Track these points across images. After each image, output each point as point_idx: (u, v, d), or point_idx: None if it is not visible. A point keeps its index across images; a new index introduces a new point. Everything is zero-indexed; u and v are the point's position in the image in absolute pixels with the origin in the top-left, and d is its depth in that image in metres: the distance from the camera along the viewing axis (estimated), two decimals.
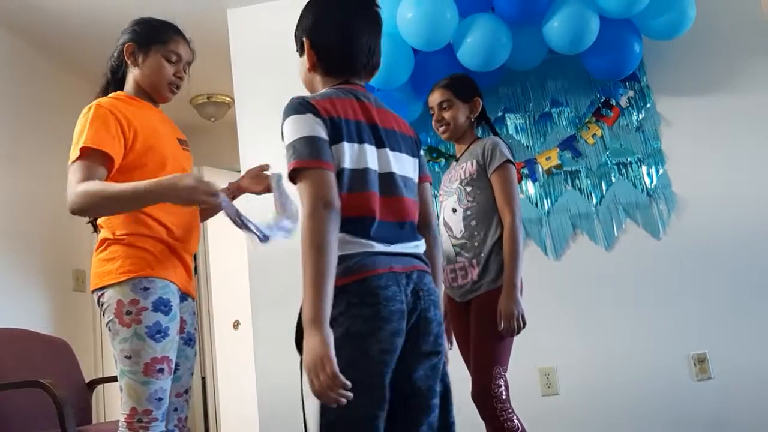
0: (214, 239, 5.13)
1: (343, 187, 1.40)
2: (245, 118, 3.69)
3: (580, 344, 3.20)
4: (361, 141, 1.46)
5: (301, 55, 1.59)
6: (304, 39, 1.56)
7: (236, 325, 5.14)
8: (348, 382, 1.25)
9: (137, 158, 1.92)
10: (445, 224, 2.42)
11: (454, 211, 2.38)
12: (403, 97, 3.23)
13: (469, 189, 2.36)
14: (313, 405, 1.33)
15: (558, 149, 3.41)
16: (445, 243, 2.38)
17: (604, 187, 3.35)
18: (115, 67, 2.08)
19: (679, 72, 3.42)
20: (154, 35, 2.02)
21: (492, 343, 2.22)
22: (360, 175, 1.43)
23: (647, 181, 3.33)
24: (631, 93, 3.44)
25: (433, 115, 2.51)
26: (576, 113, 3.45)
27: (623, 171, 3.36)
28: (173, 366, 1.88)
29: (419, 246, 1.52)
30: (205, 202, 1.75)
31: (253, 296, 3.48)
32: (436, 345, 1.47)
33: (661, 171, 3.33)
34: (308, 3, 1.58)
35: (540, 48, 3.19)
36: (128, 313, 1.82)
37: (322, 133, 1.40)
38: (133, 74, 2.04)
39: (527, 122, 3.48)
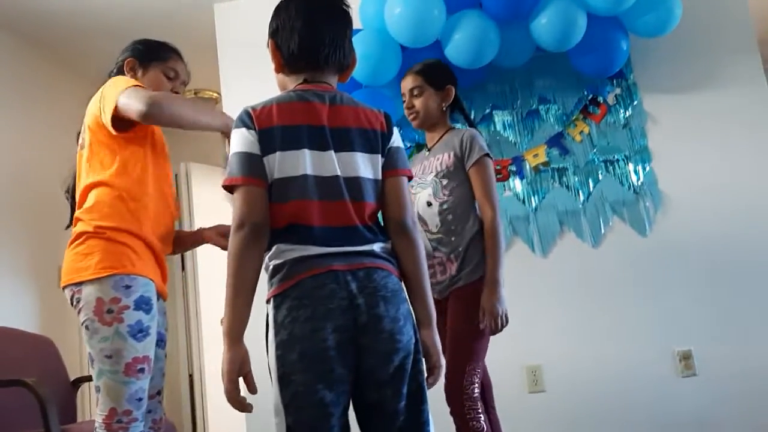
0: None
1: (277, 197, 1.42)
2: (232, 113, 3.66)
3: (567, 341, 3.21)
4: (298, 147, 1.44)
5: (272, 59, 1.59)
6: (269, 41, 1.57)
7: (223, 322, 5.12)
8: (238, 398, 1.36)
9: (147, 141, 1.98)
10: (420, 218, 2.33)
11: (429, 204, 2.31)
12: (390, 93, 3.23)
13: (445, 182, 2.29)
14: (277, 412, 1.38)
15: (545, 146, 3.41)
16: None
17: (591, 185, 3.36)
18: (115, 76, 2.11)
19: (665, 70, 3.43)
20: (155, 53, 2.12)
21: (469, 339, 2.16)
22: (294, 183, 1.42)
23: (634, 178, 3.35)
24: (618, 90, 3.45)
25: (404, 101, 2.44)
26: (563, 110, 3.46)
27: (610, 168, 3.37)
28: (152, 365, 1.87)
29: (374, 244, 1.46)
30: None
31: None
32: (394, 342, 1.40)
33: (647, 168, 3.34)
34: (276, 8, 1.57)
35: (528, 45, 3.19)
36: (109, 311, 1.79)
37: (255, 148, 1.42)
38: None
39: (515, 119, 3.48)
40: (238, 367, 1.35)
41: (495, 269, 2.17)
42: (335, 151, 1.46)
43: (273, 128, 1.44)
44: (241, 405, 1.36)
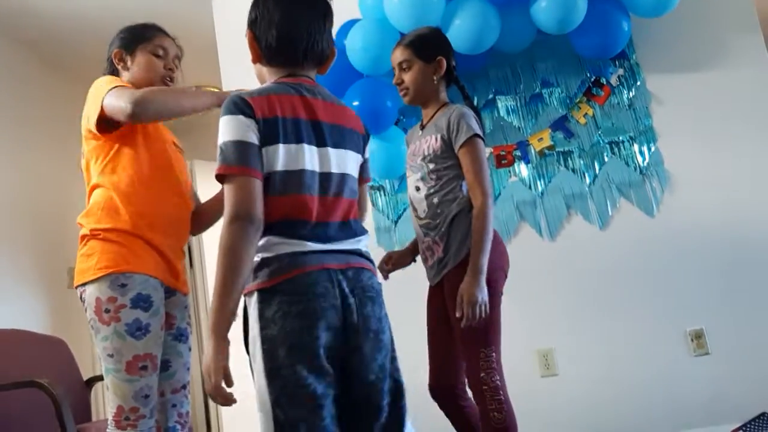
0: (208, 231, 5.11)
1: (275, 190, 1.40)
2: None
3: (578, 324, 3.21)
4: (299, 140, 1.44)
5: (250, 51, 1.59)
6: (248, 32, 1.55)
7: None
8: (225, 393, 1.31)
9: (137, 137, 1.95)
10: (410, 202, 2.25)
11: (418, 189, 2.20)
12: (391, 82, 3.21)
13: (431, 166, 2.16)
14: (265, 404, 1.36)
15: (550, 130, 3.40)
16: (413, 222, 2.25)
17: (597, 167, 3.35)
18: (114, 75, 2.08)
19: (668, 49, 3.41)
20: (138, 36, 2.07)
21: (473, 325, 2.01)
22: (294, 177, 1.42)
23: (639, 159, 3.33)
24: (620, 71, 3.43)
25: (394, 76, 2.29)
26: (567, 93, 3.44)
27: (615, 150, 3.35)
28: (158, 362, 1.85)
29: (361, 241, 1.50)
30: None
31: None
32: (378, 341, 1.44)
33: (653, 148, 3.33)
34: (254, 0, 1.56)
35: (528, 29, 3.17)
36: (107, 311, 1.80)
37: (253, 137, 1.38)
38: (126, 78, 2.05)
39: (518, 104, 3.46)
40: (226, 362, 1.32)
41: (479, 257, 2.01)
42: (331, 148, 1.48)
43: (276, 119, 1.42)
44: (227, 399, 1.33)
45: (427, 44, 2.24)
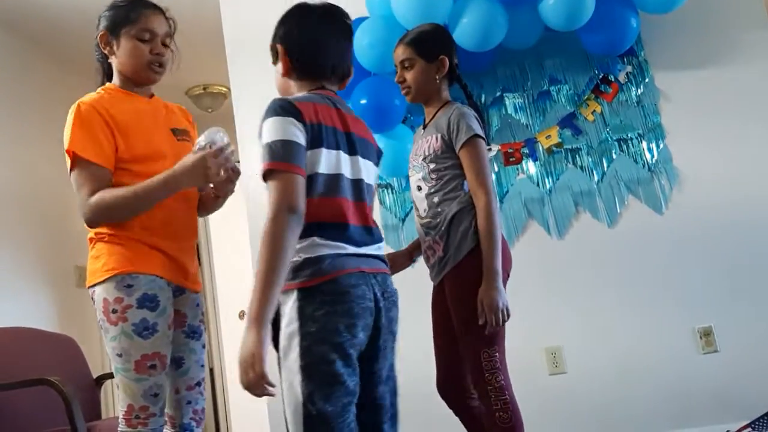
0: (217, 230, 5.13)
1: (316, 192, 1.47)
2: (242, 108, 3.67)
3: (586, 322, 3.20)
4: (337, 147, 1.53)
5: (275, 63, 1.67)
6: (279, 46, 1.64)
7: (242, 315, 5.15)
8: (271, 382, 1.33)
9: (126, 151, 1.87)
10: (413, 201, 2.25)
11: (420, 188, 2.19)
12: None
13: (432, 166, 2.15)
14: (297, 399, 1.40)
15: (558, 127, 3.39)
16: (415, 221, 2.24)
17: (605, 164, 3.34)
18: (100, 60, 2.03)
19: (676, 46, 3.39)
20: (122, 18, 1.93)
21: (476, 325, 1.99)
22: (334, 180, 1.51)
23: (648, 156, 3.32)
24: (629, 68, 3.41)
25: (396, 74, 2.26)
26: (575, 90, 3.43)
27: (624, 147, 3.34)
28: (167, 361, 1.86)
29: (381, 248, 1.61)
30: (219, 166, 1.77)
31: None
32: (394, 343, 1.59)
33: (661, 146, 3.31)
34: (283, 16, 1.67)
35: (536, 26, 3.16)
36: (114, 311, 1.80)
37: (301, 138, 1.45)
38: (114, 63, 1.98)
39: (526, 101, 3.46)
40: (265, 350, 1.34)
41: (491, 260, 1.99)
42: (360, 157, 1.60)
43: (321, 125, 1.51)
44: (268, 389, 1.33)
45: (430, 42, 2.23)
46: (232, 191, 2.01)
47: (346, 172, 1.54)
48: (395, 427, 1.57)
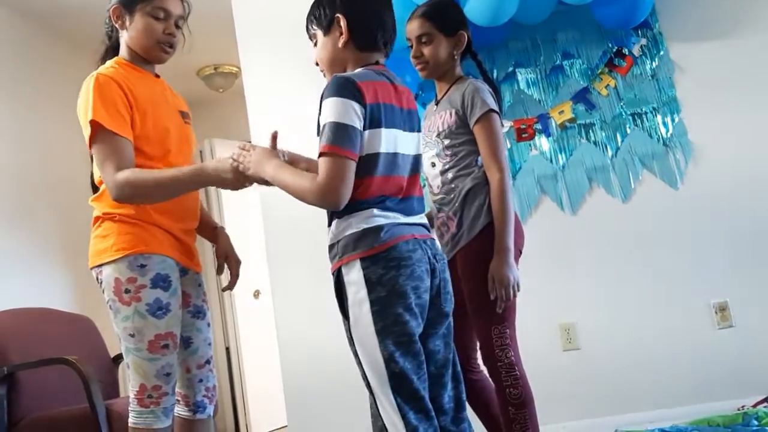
0: (230, 208, 5.15)
1: (378, 171, 1.53)
2: (253, 87, 3.66)
3: (601, 298, 3.19)
4: (395, 126, 1.59)
5: (326, 33, 1.66)
6: (338, 15, 1.64)
7: (257, 294, 5.18)
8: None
9: (140, 129, 1.87)
10: (425, 178, 2.22)
11: (433, 165, 2.17)
12: (409, 56, 3.18)
13: (447, 142, 2.12)
14: (378, 361, 1.49)
15: (571, 102, 3.35)
16: (427, 198, 2.18)
17: (619, 139, 3.30)
18: (109, 33, 2.02)
19: (692, 17, 3.34)
20: None
21: (486, 301, 2.00)
22: (393, 159, 1.57)
23: (663, 130, 3.28)
24: (643, 41, 3.36)
25: (411, 47, 2.20)
26: (588, 65, 3.39)
27: (638, 121, 3.31)
28: (178, 340, 1.88)
29: (423, 217, 1.68)
30: (250, 180, 1.69)
31: (271, 265, 3.49)
32: (450, 304, 1.67)
33: (676, 119, 3.28)
34: None
35: (549, 0, 3.12)
36: (127, 291, 1.81)
37: (357, 121, 1.50)
38: (124, 38, 1.97)
39: (539, 76, 3.42)
40: None
41: (505, 236, 2.00)
42: (414, 132, 1.67)
43: (380, 105, 1.55)
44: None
45: (449, 16, 2.18)
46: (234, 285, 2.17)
47: (403, 149, 1.60)
48: (458, 381, 1.65)
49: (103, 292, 1.87)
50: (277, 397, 3.89)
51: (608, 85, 3.35)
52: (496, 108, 2.10)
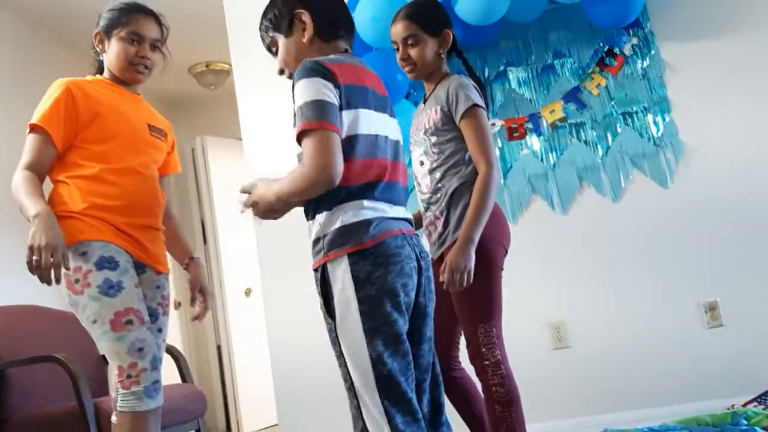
0: (221, 206, 5.14)
1: (359, 153, 1.48)
2: (244, 84, 3.65)
3: (591, 297, 3.20)
4: (370, 107, 1.54)
5: (288, 35, 1.63)
6: (299, 11, 1.60)
7: (248, 292, 5.17)
8: None
9: (90, 133, 1.95)
10: (414, 177, 2.21)
11: (422, 164, 2.15)
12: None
13: (433, 140, 2.11)
14: (365, 362, 1.44)
15: (562, 102, 3.36)
16: (417, 197, 2.21)
17: (609, 138, 3.31)
18: (96, 56, 2.13)
19: (683, 17, 3.34)
20: (115, 20, 2.03)
21: (472, 299, 2.01)
22: (373, 141, 1.52)
23: (653, 129, 3.29)
24: (634, 40, 3.37)
25: (397, 50, 2.19)
26: (579, 64, 3.39)
27: (629, 121, 3.31)
28: (144, 315, 1.86)
29: (407, 211, 1.62)
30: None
31: (262, 264, 3.48)
32: (432, 304, 1.64)
33: (667, 119, 3.28)
34: None
35: None
36: (77, 281, 1.82)
37: (333, 98, 1.45)
38: (104, 61, 2.08)
39: (530, 75, 3.42)
40: None
41: (472, 226, 1.96)
42: (389, 116, 1.62)
43: (353, 86, 1.51)
44: None
45: (432, 17, 2.18)
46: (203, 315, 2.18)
47: (382, 131, 1.56)
48: (437, 384, 1.62)
49: (62, 291, 1.88)
50: (268, 395, 3.88)
51: (599, 84, 3.36)
52: (481, 103, 2.08)
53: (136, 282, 1.90)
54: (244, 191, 1.58)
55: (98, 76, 2.10)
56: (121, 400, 1.80)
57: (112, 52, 2.03)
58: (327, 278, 1.47)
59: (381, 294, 1.45)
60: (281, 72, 1.68)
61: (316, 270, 1.51)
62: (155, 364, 1.84)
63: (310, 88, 1.44)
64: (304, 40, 1.61)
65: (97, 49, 2.08)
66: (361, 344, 1.44)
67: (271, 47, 1.70)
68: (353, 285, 1.44)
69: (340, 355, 1.48)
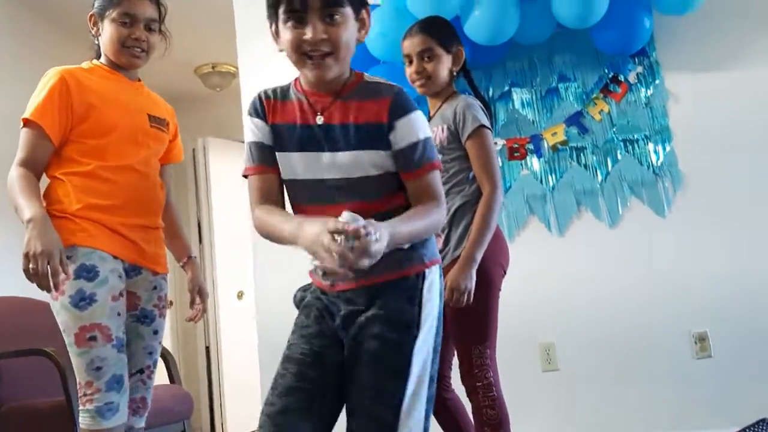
0: (219, 208, 5.14)
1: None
2: (249, 88, 3.66)
3: (582, 320, 3.21)
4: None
5: (356, 17, 1.38)
6: (366, 9, 1.42)
7: (240, 295, 5.17)
8: None
9: (87, 127, 1.88)
10: None
11: None
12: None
13: (439, 158, 2.15)
14: (425, 382, 1.32)
15: (564, 125, 3.38)
16: None
17: (609, 164, 3.33)
18: (94, 38, 2.05)
19: (689, 48, 3.36)
20: (108, 1, 1.93)
21: (468, 321, 2.01)
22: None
23: (653, 158, 3.31)
24: (639, 69, 3.39)
25: (410, 63, 2.18)
26: (583, 89, 3.41)
27: (629, 148, 3.33)
28: (112, 333, 1.77)
29: None
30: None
31: (256, 267, 3.48)
32: None
33: (668, 148, 3.30)
34: None
35: (548, 22, 3.14)
36: (55, 286, 1.74)
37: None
38: (100, 45, 2.00)
39: (534, 97, 3.44)
40: None
41: (474, 246, 1.97)
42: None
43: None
44: None
45: (448, 33, 2.19)
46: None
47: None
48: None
49: None
50: (254, 399, 3.87)
51: (602, 110, 3.38)
52: (487, 124, 2.10)
53: (117, 293, 1.82)
54: (346, 232, 1.12)
55: (95, 62, 2.01)
56: (81, 415, 1.76)
57: (105, 35, 1.94)
58: (421, 287, 1.34)
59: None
60: (312, 49, 1.35)
61: (408, 277, 1.34)
62: (111, 384, 1.75)
63: (426, 123, 1.42)
64: (360, 36, 1.41)
65: (93, 32, 2.00)
66: (427, 361, 1.32)
67: (330, 6, 1.33)
68: (440, 298, 1.38)
69: (397, 371, 1.29)
